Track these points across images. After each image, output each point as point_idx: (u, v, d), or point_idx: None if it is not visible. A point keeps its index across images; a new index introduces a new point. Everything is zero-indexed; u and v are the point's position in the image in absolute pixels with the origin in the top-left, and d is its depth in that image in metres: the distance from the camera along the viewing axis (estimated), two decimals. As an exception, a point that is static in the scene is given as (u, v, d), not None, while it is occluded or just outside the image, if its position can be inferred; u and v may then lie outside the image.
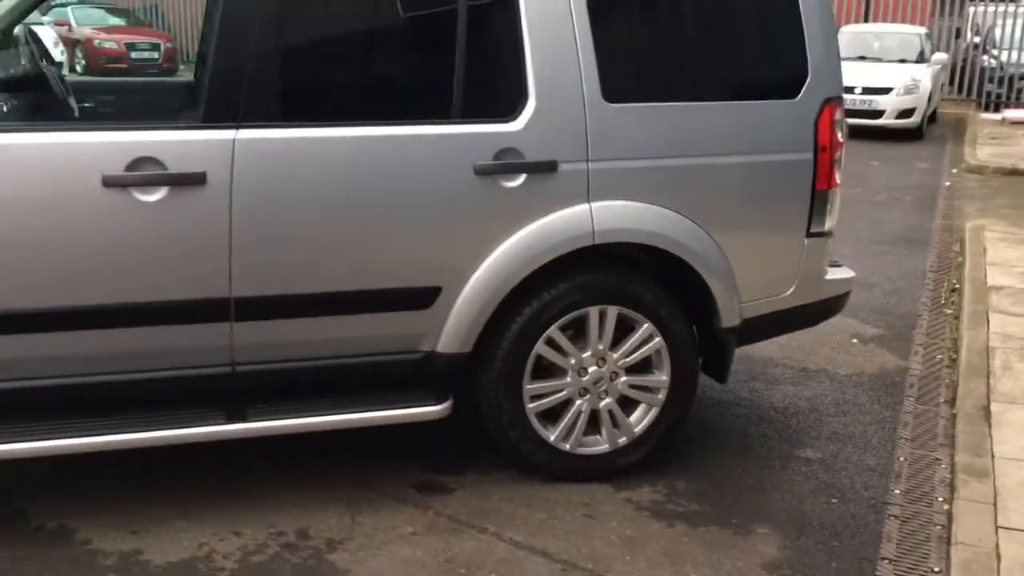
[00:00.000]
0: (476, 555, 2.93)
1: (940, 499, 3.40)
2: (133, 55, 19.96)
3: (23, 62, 3.61)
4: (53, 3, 21.98)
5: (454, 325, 3.11)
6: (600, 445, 3.41)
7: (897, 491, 3.46)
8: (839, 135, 3.47)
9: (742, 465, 3.63)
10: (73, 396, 2.85)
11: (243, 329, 2.92)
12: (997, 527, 3.16)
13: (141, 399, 2.93)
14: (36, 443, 2.78)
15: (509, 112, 3.05)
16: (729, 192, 3.34)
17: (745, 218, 3.39)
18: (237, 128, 2.80)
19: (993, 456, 3.66)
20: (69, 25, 20.47)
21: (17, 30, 3.71)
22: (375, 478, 3.35)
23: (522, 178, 3.06)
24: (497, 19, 3.07)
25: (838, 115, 3.46)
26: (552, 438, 3.33)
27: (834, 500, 3.39)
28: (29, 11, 3.91)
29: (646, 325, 3.31)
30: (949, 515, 3.27)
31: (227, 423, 2.97)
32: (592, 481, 3.39)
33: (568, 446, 3.36)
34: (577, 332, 3.29)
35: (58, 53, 17.90)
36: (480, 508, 3.20)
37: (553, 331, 3.22)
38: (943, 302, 5.77)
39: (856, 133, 13.07)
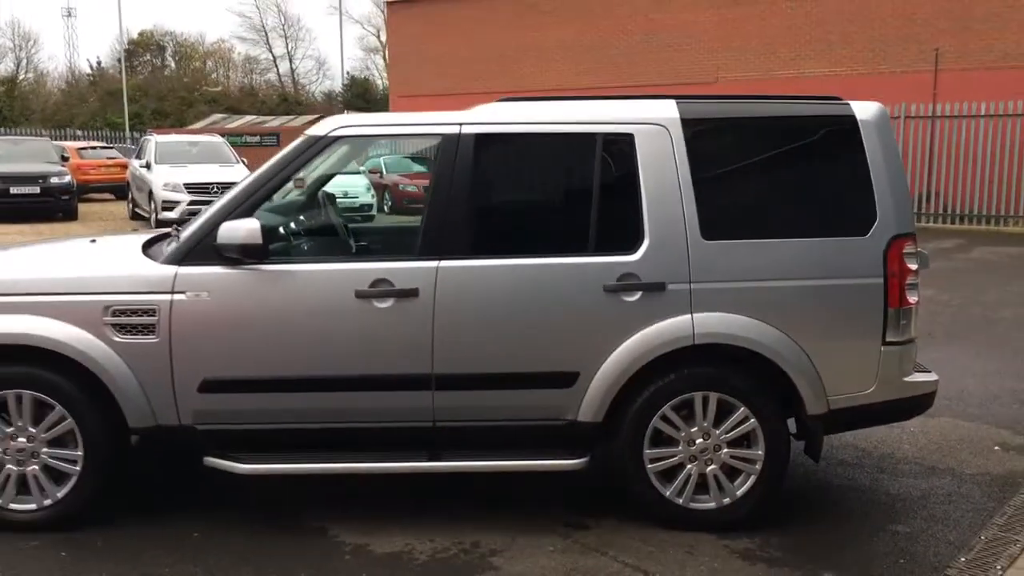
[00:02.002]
0: (593, 568, 4.01)
1: (998, 567, 4.02)
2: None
3: (320, 215, 5.32)
4: (369, 156, 25.83)
5: (589, 401, 4.27)
6: (708, 503, 4.38)
7: (963, 559, 4.12)
8: (910, 264, 4.34)
9: (836, 530, 4.44)
10: (331, 438, 4.30)
11: (441, 396, 4.26)
12: (1033, 588, 3.78)
13: (371, 442, 4.33)
14: (308, 465, 4.26)
15: (630, 248, 4.25)
16: (808, 307, 4.30)
17: (825, 328, 4.32)
18: (440, 260, 4.22)
19: (1069, 540, 4.21)
20: (380, 173, 23.95)
21: (319, 193, 5.45)
22: (537, 514, 4.52)
23: (639, 295, 4.23)
24: (622, 184, 4.31)
25: (908, 248, 4.33)
26: (667, 493, 4.36)
27: (902, 561, 4.12)
28: (330, 178, 5.67)
29: (742, 409, 4.30)
30: (996, 578, 3.92)
31: (428, 461, 4.30)
32: (701, 531, 4.36)
33: (681, 501, 4.37)
34: (689, 412, 4.34)
35: (369, 197, 21.11)
36: (607, 540, 4.27)
37: (666, 410, 4.30)
38: (1111, 420, 6.07)
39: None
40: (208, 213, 4.37)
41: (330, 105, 59.29)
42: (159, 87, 59.27)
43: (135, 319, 4.16)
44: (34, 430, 4.22)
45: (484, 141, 4.33)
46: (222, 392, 4.22)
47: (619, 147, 4.32)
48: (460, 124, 4.33)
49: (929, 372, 4.58)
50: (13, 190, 19.18)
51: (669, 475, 4.38)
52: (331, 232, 5.25)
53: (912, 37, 21.50)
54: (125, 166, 25.98)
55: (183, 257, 4.23)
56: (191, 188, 17.31)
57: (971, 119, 19.80)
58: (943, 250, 15.73)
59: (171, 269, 4.21)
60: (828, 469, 5.23)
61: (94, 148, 28.30)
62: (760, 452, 4.33)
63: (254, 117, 40.13)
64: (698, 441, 4.33)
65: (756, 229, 4.31)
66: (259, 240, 4.09)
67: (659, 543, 4.25)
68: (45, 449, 4.24)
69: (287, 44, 70.01)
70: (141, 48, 66.06)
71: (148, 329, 4.17)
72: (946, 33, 21.06)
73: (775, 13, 23.33)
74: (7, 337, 4.12)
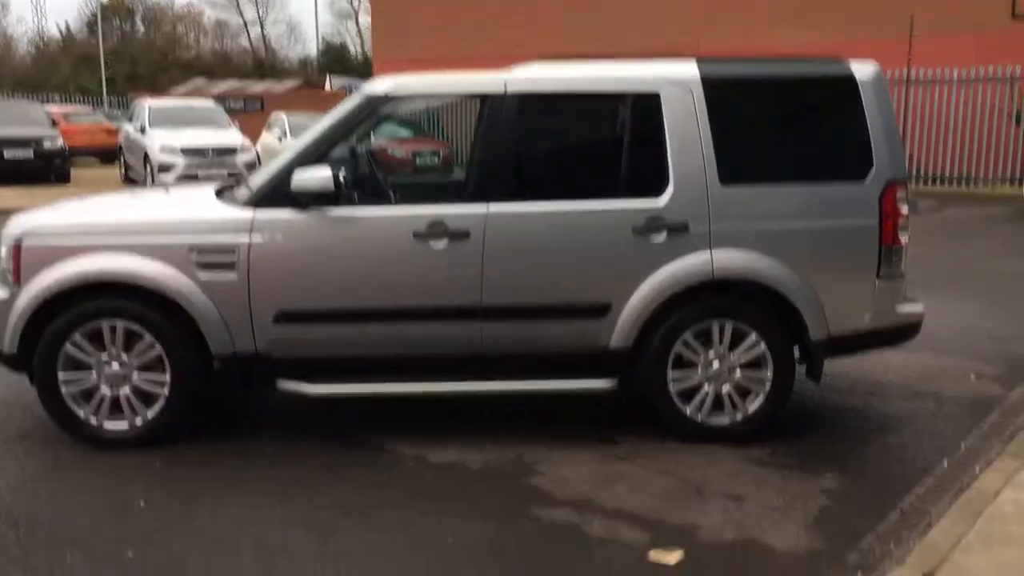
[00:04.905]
0: (624, 473, 4.59)
1: (976, 468, 4.63)
2: (418, 161, 23.33)
3: (364, 165, 5.80)
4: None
5: (620, 329, 4.82)
6: (723, 419, 4.96)
7: (947, 462, 4.74)
8: (902, 207, 4.91)
9: (836, 441, 5.04)
10: (390, 363, 4.83)
11: (488, 326, 4.79)
12: (1007, 482, 4.39)
13: (426, 367, 4.86)
14: (371, 387, 4.79)
15: (656, 192, 4.79)
16: (813, 244, 4.86)
17: (827, 263, 4.89)
18: (488, 204, 4.73)
19: (1037, 447, 4.84)
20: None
21: (359, 148, 5.93)
22: (574, 433, 5.09)
23: (664, 235, 4.77)
24: (649, 136, 4.83)
25: (900, 193, 4.90)
26: (688, 411, 4.93)
27: (894, 464, 4.74)
28: (367, 134, 6.14)
29: (753, 335, 4.87)
30: (974, 476, 4.52)
31: (476, 382, 4.84)
32: (717, 443, 4.94)
33: (700, 418, 4.95)
34: (706, 338, 4.91)
35: (357, 160, 21.48)
36: (635, 452, 4.85)
37: (687, 336, 4.86)
38: (1074, 354, 6.72)
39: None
40: (280, 162, 4.85)
41: (306, 70, 59.09)
42: (132, 52, 58.73)
43: (217, 257, 4.65)
44: (126, 356, 4.72)
45: (527, 99, 4.83)
46: (294, 323, 4.72)
47: (647, 104, 4.84)
48: (505, 83, 4.83)
49: (917, 302, 5.17)
50: (7, 154, 19.38)
51: (689, 395, 4.95)
52: (376, 181, 5.75)
53: (887, 4, 22.07)
54: (110, 131, 26.19)
55: (258, 201, 4.72)
56: (187, 152, 17.59)
57: (943, 84, 20.47)
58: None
59: (248, 212, 4.70)
60: (824, 395, 5.83)
61: (79, 113, 28.38)
62: (769, 373, 4.91)
63: (236, 82, 40.10)
64: (715, 364, 4.90)
65: (767, 175, 4.86)
66: (332, 187, 4.59)
67: (681, 453, 4.83)
68: (136, 373, 4.74)
69: (258, 9, 69.32)
70: (111, 12, 65.24)
71: (229, 266, 4.66)
72: (920, 1, 21.63)
73: (755, -20, 23.79)
74: (107, 275, 4.60)
